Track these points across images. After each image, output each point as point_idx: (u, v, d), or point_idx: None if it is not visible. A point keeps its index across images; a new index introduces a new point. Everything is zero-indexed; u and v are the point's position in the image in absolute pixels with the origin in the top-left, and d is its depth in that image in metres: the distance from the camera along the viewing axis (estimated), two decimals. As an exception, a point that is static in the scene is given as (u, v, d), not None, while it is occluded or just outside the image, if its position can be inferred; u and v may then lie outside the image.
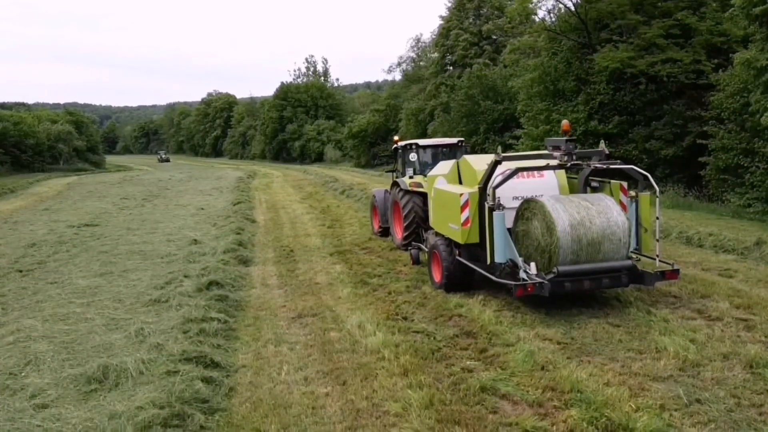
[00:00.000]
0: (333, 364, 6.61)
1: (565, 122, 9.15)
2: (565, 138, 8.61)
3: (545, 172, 9.32)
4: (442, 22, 48.92)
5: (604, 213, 7.98)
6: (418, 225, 12.15)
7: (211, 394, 5.73)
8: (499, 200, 8.20)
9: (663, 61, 21.68)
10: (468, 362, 6.52)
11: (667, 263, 8.50)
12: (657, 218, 8.63)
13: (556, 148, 8.60)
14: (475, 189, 8.81)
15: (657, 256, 8.60)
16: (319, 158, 66.09)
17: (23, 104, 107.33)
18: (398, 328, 7.62)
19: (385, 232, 14.54)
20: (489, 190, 8.22)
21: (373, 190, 16.63)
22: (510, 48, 39.15)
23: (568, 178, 9.78)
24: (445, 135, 34.13)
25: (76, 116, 78.42)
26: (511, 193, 8.84)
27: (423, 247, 11.28)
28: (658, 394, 5.59)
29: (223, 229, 16.27)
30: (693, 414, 5.21)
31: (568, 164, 8.64)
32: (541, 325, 7.64)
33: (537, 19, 34.84)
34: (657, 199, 8.62)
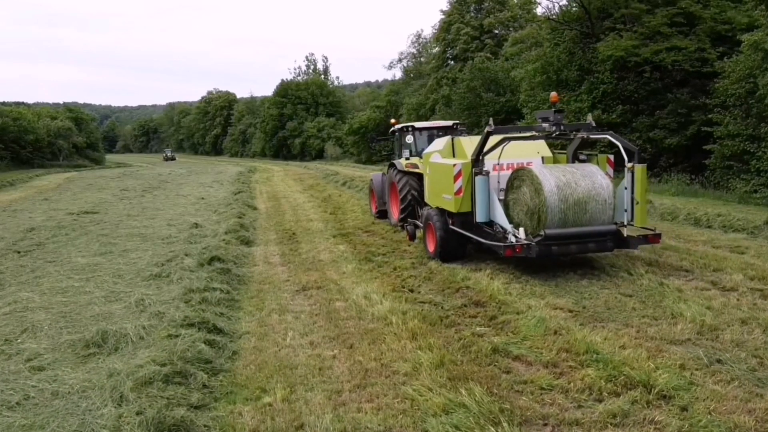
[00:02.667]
0: (339, 330, 6.42)
1: (553, 94, 9.40)
2: (553, 110, 8.79)
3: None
4: (443, 16, 48.79)
5: (589, 176, 8.40)
6: (414, 203, 12.35)
7: (215, 356, 5.54)
8: (482, 166, 8.83)
9: (667, 50, 21.51)
10: (478, 328, 6.34)
11: (649, 229, 8.82)
12: (629, 182, 8.70)
13: (545, 119, 8.79)
14: (468, 160, 9.22)
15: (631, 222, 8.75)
16: (320, 155, 65.84)
17: (23, 104, 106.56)
18: (405, 299, 7.44)
19: (382, 214, 14.77)
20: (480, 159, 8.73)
21: (371, 174, 17.20)
22: (512, 40, 39.00)
23: (556, 153, 10.21)
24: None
25: (75, 113, 78.09)
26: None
27: (418, 223, 11.36)
28: (677, 355, 5.40)
29: (224, 215, 16.09)
30: (715, 373, 5.02)
31: (555, 133, 8.81)
32: (551, 295, 7.45)
33: (540, 11, 34.75)
34: (632, 164, 8.73)
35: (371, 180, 15.77)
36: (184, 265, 9.39)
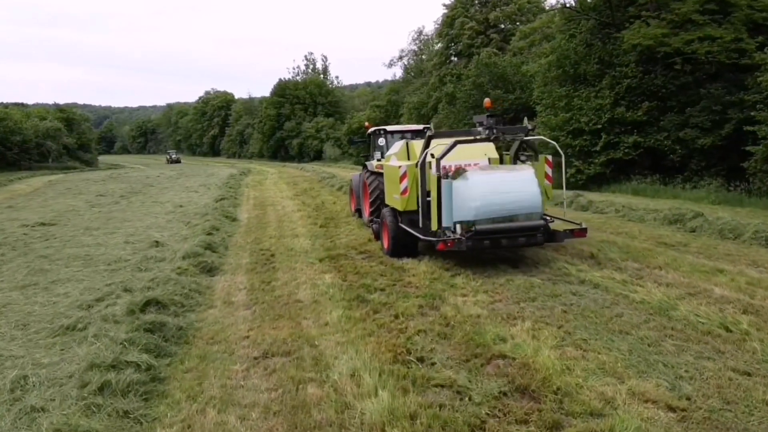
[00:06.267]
0: (306, 452, 3.96)
1: (487, 100, 9.77)
2: (486, 114, 9.28)
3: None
4: (446, 10, 46.37)
5: (514, 170, 9.15)
6: (382, 203, 12.27)
7: None
8: (434, 169, 9.32)
9: (700, 39, 19.08)
10: (536, 451, 3.87)
11: (575, 223, 9.61)
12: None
13: (481, 123, 9.35)
14: (412, 162, 9.95)
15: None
16: (318, 156, 63.59)
17: (22, 104, 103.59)
18: (412, 380, 4.92)
19: (359, 212, 15.05)
20: (433, 161, 9.20)
21: (351, 174, 17.90)
22: (520, 34, 36.58)
23: (503, 154, 10.72)
24: (450, 128, 31.63)
25: (67, 113, 75.63)
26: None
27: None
28: None
29: (196, 229, 13.66)
30: None
31: (490, 137, 9.35)
32: (629, 370, 4.99)
33: (552, 0, 32.38)
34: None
35: (351, 180, 16.35)
36: (112, 311, 6.92)
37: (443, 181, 8.75)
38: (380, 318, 6.71)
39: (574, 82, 23.56)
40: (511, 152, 10.35)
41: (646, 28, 20.36)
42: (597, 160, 21.45)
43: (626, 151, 21.01)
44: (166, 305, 6.93)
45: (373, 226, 12.09)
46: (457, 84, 36.40)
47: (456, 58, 45.26)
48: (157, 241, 11.96)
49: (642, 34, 20.14)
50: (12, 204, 23.54)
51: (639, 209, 14.30)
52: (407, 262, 9.71)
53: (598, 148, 21.46)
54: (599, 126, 21.42)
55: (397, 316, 6.73)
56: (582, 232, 9.13)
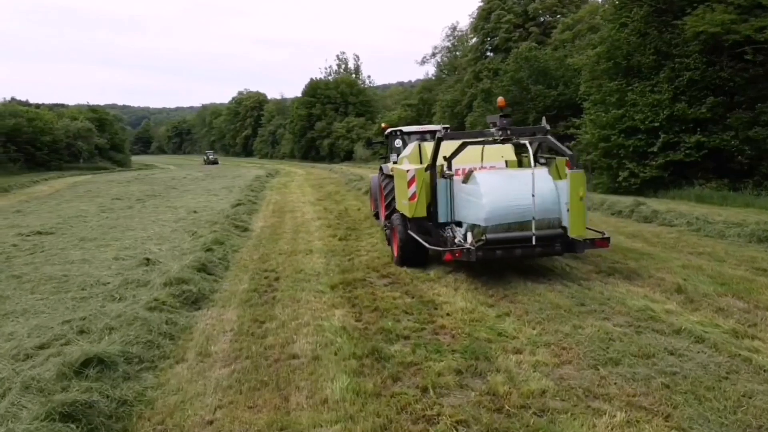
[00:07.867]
0: None
1: (500, 99, 9.01)
2: (499, 114, 8.65)
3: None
4: (481, 3, 44.10)
5: (529, 172, 8.15)
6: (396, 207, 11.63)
7: None
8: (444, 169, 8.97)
9: (773, 25, 16.67)
10: None
11: (598, 231, 9.00)
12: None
13: (494, 124, 8.75)
14: (422, 166, 9.39)
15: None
16: (349, 157, 62.05)
17: (62, 105, 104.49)
18: None
19: (378, 215, 14.56)
20: (442, 162, 8.94)
21: (371, 176, 17.63)
22: (562, 26, 34.22)
23: (520, 156, 10.11)
24: (486, 127, 29.58)
25: (99, 113, 75.74)
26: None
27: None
28: None
29: (200, 241, 11.98)
30: None
31: (500, 139, 8.64)
32: None
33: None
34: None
35: (371, 181, 16.09)
36: (44, 369, 5.16)
37: (439, 181, 8.59)
38: (401, 392, 4.75)
39: (627, 75, 21.27)
40: (531, 155, 9.60)
41: (711, 13, 17.98)
42: (654, 162, 19.14)
43: (688, 152, 18.67)
44: (114, 363, 5.12)
45: (386, 231, 11.57)
46: (494, 80, 34.22)
47: (492, 53, 43.00)
48: (147, 259, 10.27)
49: (707, 21, 17.76)
50: (22, 208, 22.38)
51: (717, 222, 12.05)
52: (439, 293, 7.78)
53: (655, 149, 19.13)
54: (656, 124, 19.12)
55: (425, 390, 4.76)
56: (604, 242, 8.39)
